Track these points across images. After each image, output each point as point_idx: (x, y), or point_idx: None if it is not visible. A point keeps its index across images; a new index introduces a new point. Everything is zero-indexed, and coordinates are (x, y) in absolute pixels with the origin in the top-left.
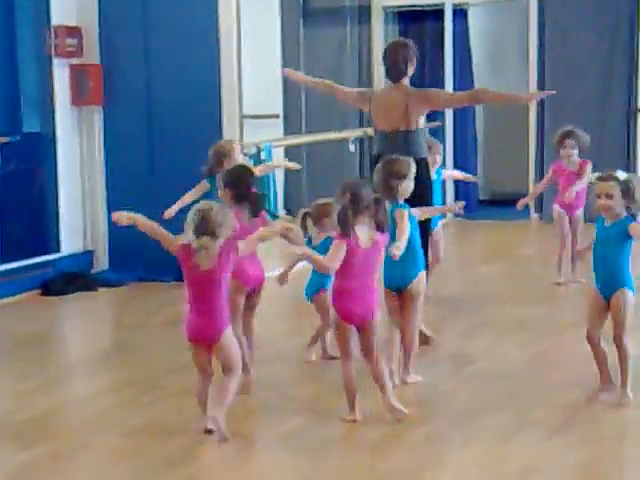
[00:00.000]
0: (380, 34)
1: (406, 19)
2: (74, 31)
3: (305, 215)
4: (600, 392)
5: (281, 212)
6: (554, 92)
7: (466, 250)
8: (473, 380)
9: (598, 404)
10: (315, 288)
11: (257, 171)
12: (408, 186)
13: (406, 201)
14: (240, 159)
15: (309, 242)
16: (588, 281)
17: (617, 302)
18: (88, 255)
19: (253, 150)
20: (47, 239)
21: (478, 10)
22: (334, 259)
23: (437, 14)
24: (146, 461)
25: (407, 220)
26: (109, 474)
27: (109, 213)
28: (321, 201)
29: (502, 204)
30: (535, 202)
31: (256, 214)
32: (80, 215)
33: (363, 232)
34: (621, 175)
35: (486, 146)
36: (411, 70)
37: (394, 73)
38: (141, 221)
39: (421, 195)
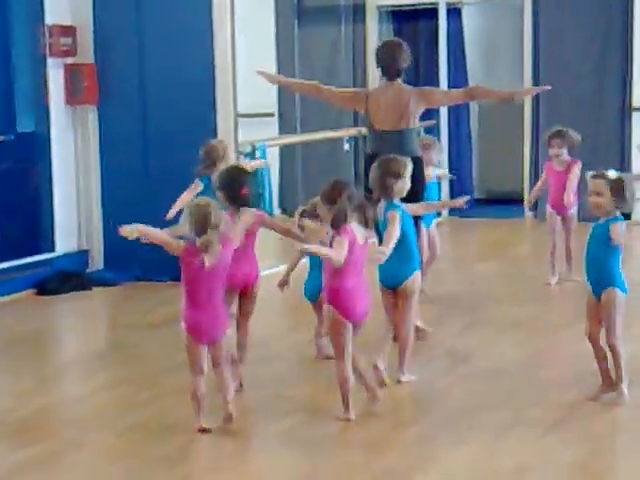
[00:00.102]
0: (374, 33)
1: (400, 18)
2: (68, 30)
3: (302, 213)
4: (600, 392)
5: (276, 211)
6: (549, 87)
7: (461, 249)
8: (468, 378)
9: (593, 402)
10: (319, 289)
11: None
12: (404, 185)
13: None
14: (232, 158)
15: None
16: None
17: (604, 302)
18: (83, 254)
19: (248, 149)
20: (42, 238)
21: (472, 9)
22: (341, 254)
23: (431, 13)
24: (141, 460)
25: (397, 224)
26: (105, 473)
27: (104, 212)
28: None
29: (497, 203)
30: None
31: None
32: (75, 214)
33: (359, 230)
34: (612, 174)
35: (481, 145)
36: (405, 68)
37: (391, 72)
38: (151, 234)
39: (416, 194)
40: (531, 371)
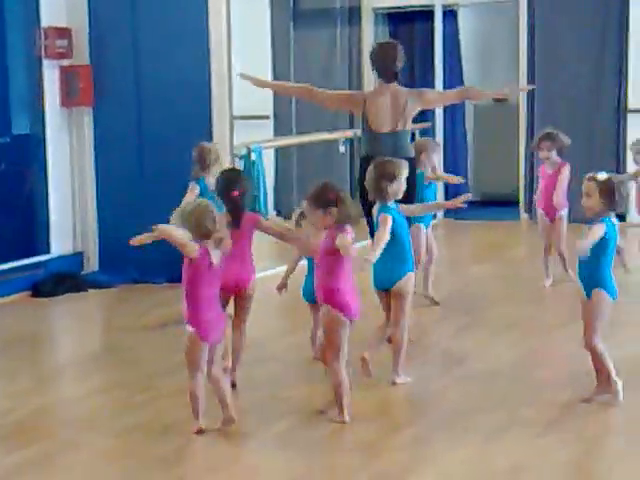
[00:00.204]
0: (370, 35)
1: (396, 20)
2: (64, 32)
3: (301, 215)
4: (595, 393)
5: (272, 213)
6: (534, 86)
7: (456, 251)
8: (464, 380)
9: (588, 403)
10: None
11: None
12: (398, 187)
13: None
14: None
15: None
16: None
17: (589, 302)
18: (78, 256)
19: (243, 151)
20: (37, 240)
21: (468, 11)
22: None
23: (427, 15)
24: (138, 461)
25: (387, 227)
26: (101, 474)
27: (99, 214)
28: None
29: (492, 205)
30: (525, 203)
31: (235, 217)
32: (70, 216)
33: (352, 231)
34: (601, 176)
35: (476, 147)
36: (400, 70)
37: (388, 73)
38: (173, 234)
39: (407, 195)
40: (526, 372)
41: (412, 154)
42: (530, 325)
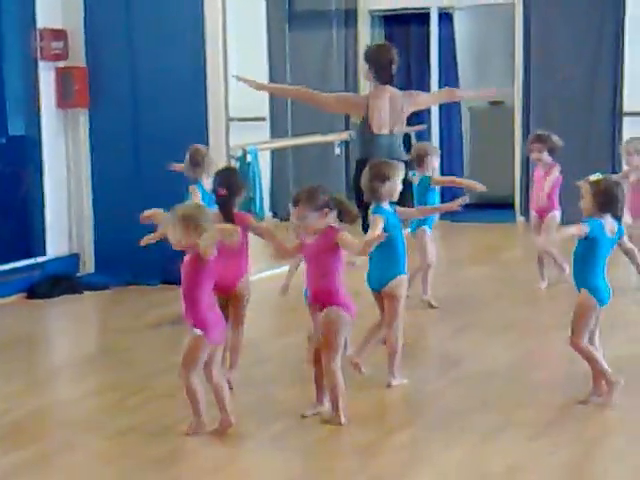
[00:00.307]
0: (366, 37)
1: (392, 23)
2: (60, 34)
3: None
4: (591, 395)
5: (267, 215)
6: (494, 89)
7: (452, 253)
8: (460, 381)
9: (583, 405)
10: None
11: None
12: (393, 188)
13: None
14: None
15: None
16: None
17: (577, 301)
18: (74, 258)
19: (239, 153)
20: (33, 242)
21: (463, 14)
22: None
23: (423, 18)
24: (134, 462)
25: (378, 228)
26: (97, 475)
27: (95, 216)
28: None
29: (488, 207)
30: (520, 205)
31: (225, 216)
32: (66, 218)
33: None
34: (593, 177)
35: (472, 149)
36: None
37: (387, 75)
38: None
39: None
40: (522, 373)
41: (405, 157)
42: (526, 327)
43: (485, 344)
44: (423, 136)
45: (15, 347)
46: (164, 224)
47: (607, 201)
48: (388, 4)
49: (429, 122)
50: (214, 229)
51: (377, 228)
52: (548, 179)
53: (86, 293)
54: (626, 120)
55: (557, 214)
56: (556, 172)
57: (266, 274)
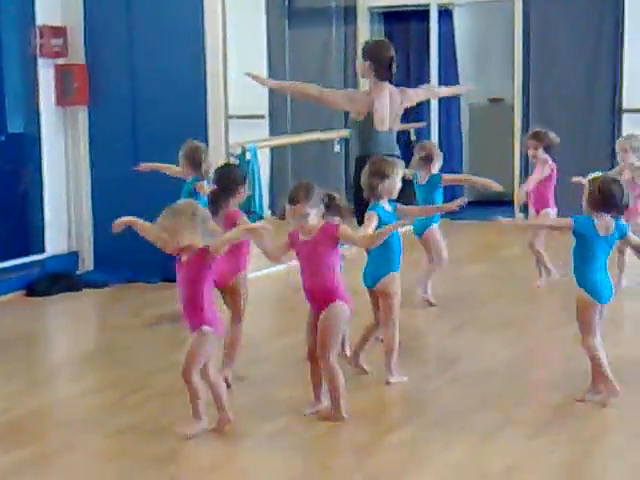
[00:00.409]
0: (366, 35)
1: (392, 19)
2: (59, 31)
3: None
4: (588, 392)
5: (266, 212)
6: (470, 85)
7: (451, 250)
8: (458, 380)
9: (582, 403)
10: None
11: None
12: (391, 185)
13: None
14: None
15: None
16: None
17: (576, 301)
18: (73, 256)
19: (238, 151)
20: (32, 240)
21: (463, 11)
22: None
23: (422, 14)
24: (133, 461)
25: (371, 224)
26: (96, 474)
27: (94, 213)
28: None
29: (487, 204)
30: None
31: (214, 211)
32: (65, 215)
33: None
34: (590, 175)
35: (471, 146)
36: None
37: (388, 72)
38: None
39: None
40: (521, 372)
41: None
42: (525, 324)
43: (484, 342)
44: (422, 133)
45: (14, 345)
46: (156, 229)
47: (601, 199)
48: (388, 1)
49: (428, 119)
50: (239, 229)
51: (370, 225)
52: (531, 177)
53: (85, 291)
54: (625, 117)
55: (551, 212)
56: (546, 168)
57: (263, 272)
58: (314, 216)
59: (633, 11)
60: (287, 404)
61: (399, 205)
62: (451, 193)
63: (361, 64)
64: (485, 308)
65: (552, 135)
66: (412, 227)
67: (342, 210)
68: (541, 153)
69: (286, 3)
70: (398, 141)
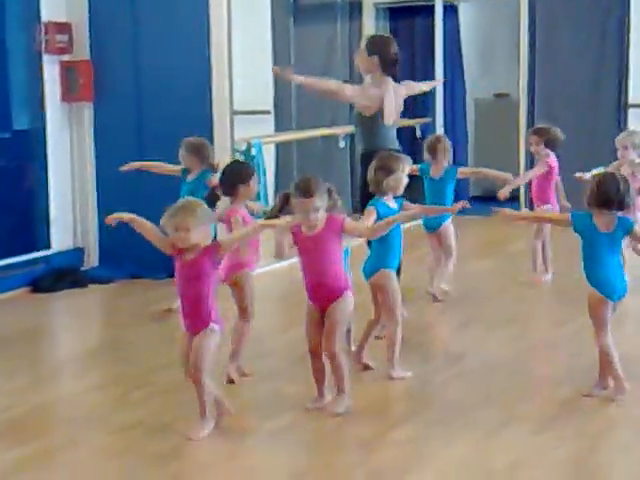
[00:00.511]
0: (371, 30)
1: (397, 15)
2: (64, 27)
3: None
4: (595, 387)
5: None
6: (442, 80)
7: (457, 246)
8: (463, 375)
9: (589, 397)
10: None
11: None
12: (396, 181)
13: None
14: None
15: None
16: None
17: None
18: (78, 252)
19: (243, 146)
20: (37, 236)
21: (468, 6)
22: None
23: (428, 10)
24: (136, 458)
25: (370, 219)
26: (99, 471)
27: (99, 210)
28: None
29: (493, 200)
30: (525, 198)
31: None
32: (70, 212)
33: None
34: (595, 171)
35: (477, 142)
36: None
37: (394, 67)
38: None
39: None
40: (526, 368)
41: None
42: (530, 320)
43: (489, 338)
44: (428, 129)
45: (19, 341)
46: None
47: (601, 196)
48: None
49: (434, 114)
50: (255, 225)
51: (368, 220)
52: (535, 168)
53: (90, 287)
54: (631, 112)
55: (550, 208)
56: (541, 166)
57: (267, 269)
58: (324, 209)
59: (639, 6)
60: (292, 400)
61: (406, 203)
62: (457, 187)
63: (365, 59)
64: (490, 304)
65: (555, 131)
66: (422, 222)
67: (338, 203)
68: (542, 149)
69: None
70: (403, 137)
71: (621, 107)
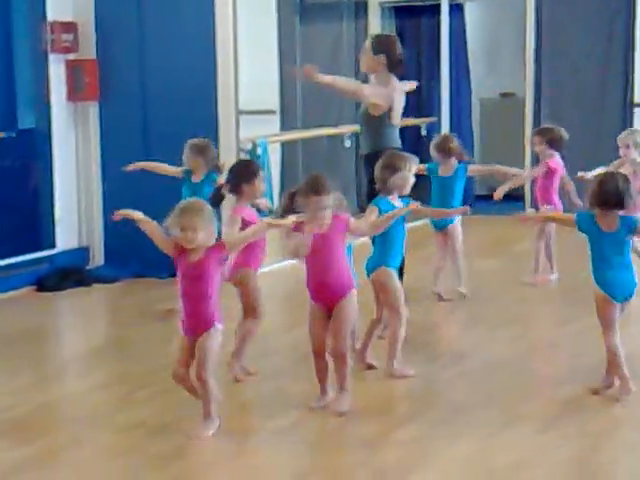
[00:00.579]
0: (377, 30)
1: (403, 14)
2: (70, 27)
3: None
4: (603, 385)
5: (277, 207)
6: (416, 83)
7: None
8: (466, 375)
9: (590, 398)
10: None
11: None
12: (403, 180)
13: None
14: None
15: None
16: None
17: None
18: (83, 251)
19: (249, 146)
20: (42, 235)
21: (474, 5)
22: None
23: (434, 9)
24: (141, 457)
25: (371, 218)
26: (103, 470)
27: (104, 209)
28: None
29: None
30: (531, 197)
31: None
32: (75, 211)
33: None
34: (595, 171)
35: (482, 141)
36: None
37: (400, 66)
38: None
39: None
40: (529, 367)
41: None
42: (533, 320)
43: (492, 337)
44: (433, 128)
45: (23, 340)
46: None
47: (601, 195)
48: None
49: (439, 114)
50: (260, 225)
51: (369, 219)
52: (536, 169)
53: (95, 286)
54: (637, 111)
55: (552, 209)
56: (540, 167)
57: (271, 268)
58: (331, 207)
59: None
60: (296, 399)
61: (413, 203)
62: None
63: (371, 58)
64: (494, 304)
65: (558, 131)
66: (431, 221)
67: (343, 203)
68: (546, 149)
69: None
70: (408, 136)
71: (627, 107)
